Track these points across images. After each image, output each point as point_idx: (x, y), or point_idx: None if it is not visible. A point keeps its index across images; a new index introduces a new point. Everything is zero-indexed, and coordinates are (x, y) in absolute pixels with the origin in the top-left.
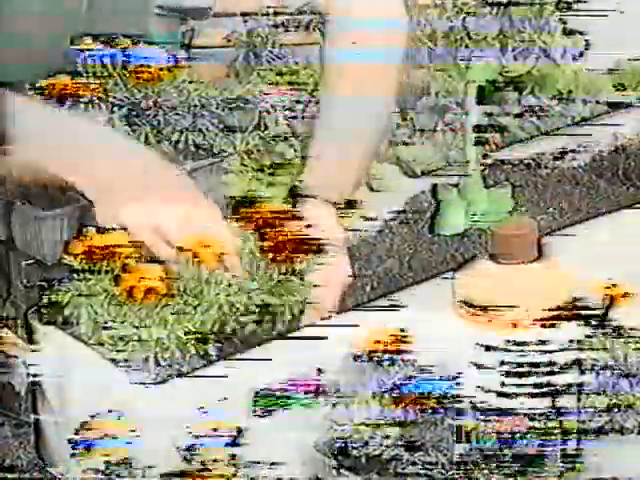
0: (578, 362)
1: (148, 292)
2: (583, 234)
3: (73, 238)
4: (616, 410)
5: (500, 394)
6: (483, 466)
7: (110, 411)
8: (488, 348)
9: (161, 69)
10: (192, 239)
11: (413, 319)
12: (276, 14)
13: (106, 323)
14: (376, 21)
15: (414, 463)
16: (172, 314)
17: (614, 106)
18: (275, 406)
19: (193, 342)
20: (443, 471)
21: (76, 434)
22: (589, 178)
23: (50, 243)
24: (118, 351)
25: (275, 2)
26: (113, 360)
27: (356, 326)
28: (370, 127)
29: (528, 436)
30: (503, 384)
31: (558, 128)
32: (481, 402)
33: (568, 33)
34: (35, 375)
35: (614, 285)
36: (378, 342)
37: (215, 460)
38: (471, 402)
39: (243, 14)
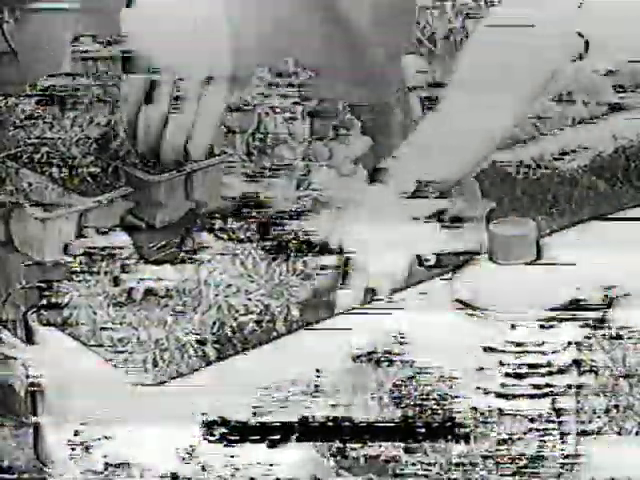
0: (577, 363)
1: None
2: (583, 235)
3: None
4: (615, 411)
5: (499, 395)
6: (482, 467)
7: (109, 412)
8: (486, 349)
9: None
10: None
11: (412, 319)
12: None
13: (105, 324)
14: None
15: (413, 464)
16: (171, 315)
17: (614, 107)
18: None
19: (192, 343)
20: (442, 472)
21: (75, 435)
22: (589, 179)
23: (49, 244)
24: (117, 352)
25: None
26: (112, 361)
27: (349, 329)
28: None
29: (527, 437)
30: (502, 385)
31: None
32: (480, 403)
33: None
34: (34, 376)
35: (613, 286)
36: (377, 343)
37: (214, 460)
38: (470, 403)
39: None
